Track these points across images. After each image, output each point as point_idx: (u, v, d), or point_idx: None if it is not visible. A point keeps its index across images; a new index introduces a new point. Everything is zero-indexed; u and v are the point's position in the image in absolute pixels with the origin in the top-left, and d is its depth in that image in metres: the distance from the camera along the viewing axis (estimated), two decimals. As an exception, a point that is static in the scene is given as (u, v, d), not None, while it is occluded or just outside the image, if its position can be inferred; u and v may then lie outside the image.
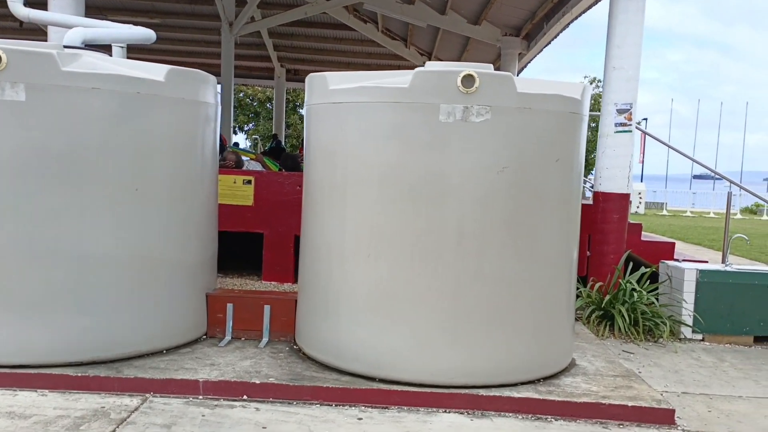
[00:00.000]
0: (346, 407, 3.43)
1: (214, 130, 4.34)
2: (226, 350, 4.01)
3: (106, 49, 4.56)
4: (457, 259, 3.56)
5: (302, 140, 4.97)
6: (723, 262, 5.87)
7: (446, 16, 11.62)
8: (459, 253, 3.56)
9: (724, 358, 4.84)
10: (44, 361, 3.54)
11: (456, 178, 3.54)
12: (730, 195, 6.22)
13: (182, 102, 3.91)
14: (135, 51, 14.05)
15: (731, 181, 6.34)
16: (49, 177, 3.53)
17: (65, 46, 3.88)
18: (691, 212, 29.82)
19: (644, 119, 29.50)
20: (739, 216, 27.26)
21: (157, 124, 3.79)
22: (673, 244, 6.28)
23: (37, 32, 11.15)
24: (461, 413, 3.45)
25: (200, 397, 3.45)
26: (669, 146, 6.75)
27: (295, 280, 5.68)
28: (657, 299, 5.48)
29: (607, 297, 5.40)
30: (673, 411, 3.49)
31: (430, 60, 10.99)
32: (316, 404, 3.45)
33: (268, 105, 31.07)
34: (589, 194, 8.54)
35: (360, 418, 3.30)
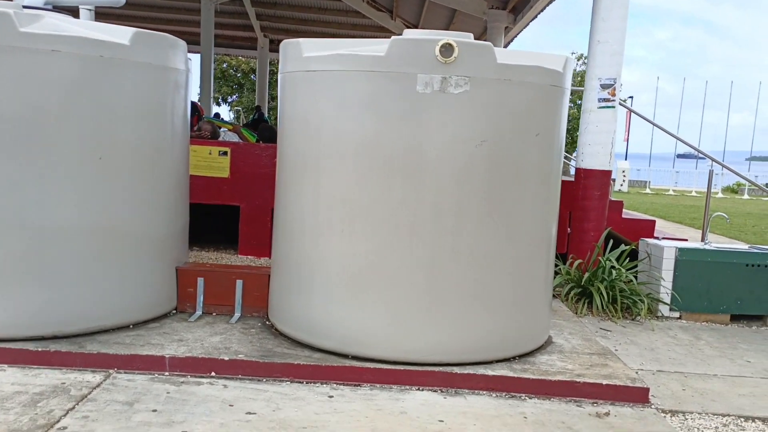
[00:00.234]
0: (317, 385, 3.35)
1: (185, 98, 4.17)
2: (195, 326, 3.91)
3: (72, 12, 4.35)
4: (433, 235, 3.47)
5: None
6: (702, 240, 5.85)
7: (432, -14, 11.40)
8: (435, 228, 3.46)
9: (701, 336, 4.84)
10: (3, 335, 3.41)
11: (433, 151, 3.43)
12: (711, 173, 6.18)
13: (149, 67, 3.74)
14: (109, 17, 13.66)
15: (713, 159, 6.30)
16: (6, 144, 3.36)
17: (25, 7, 3.67)
18: (674, 191, 30.02)
19: (630, 97, 29.48)
20: (720, 195, 27.50)
21: (122, 89, 3.62)
22: (654, 221, 6.25)
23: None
24: (435, 391, 3.39)
25: (166, 373, 3.35)
26: (653, 124, 6.68)
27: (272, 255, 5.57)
28: (636, 277, 5.45)
29: (587, 274, 5.36)
30: (648, 389, 3.46)
31: (414, 32, 10.76)
32: (286, 381, 3.36)
33: (252, 76, 30.53)
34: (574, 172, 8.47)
35: (331, 396, 3.23)
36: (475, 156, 3.47)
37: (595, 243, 5.62)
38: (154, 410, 2.93)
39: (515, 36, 13.33)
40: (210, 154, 5.91)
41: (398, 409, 3.12)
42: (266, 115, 16.41)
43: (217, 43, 14.49)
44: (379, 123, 3.43)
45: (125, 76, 3.63)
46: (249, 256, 5.97)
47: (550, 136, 3.73)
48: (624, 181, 27.68)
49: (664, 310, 5.25)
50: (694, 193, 28.32)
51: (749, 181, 6.38)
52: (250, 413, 2.97)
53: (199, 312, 4.12)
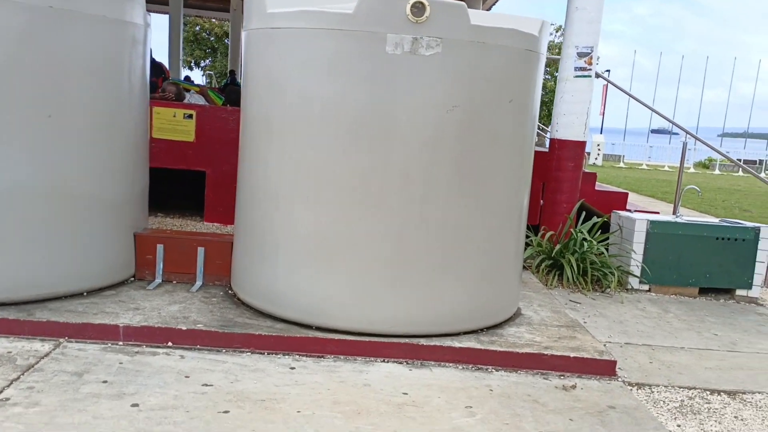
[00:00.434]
0: (279, 356, 3.25)
1: (143, 55, 3.95)
2: (154, 294, 3.76)
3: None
4: (401, 203, 3.35)
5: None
6: (674, 213, 5.84)
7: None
8: (403, 196, 3.34)
9: (669, 309, 4.84)
10: (-54, 303, 3.24)
11: (402, 115, 3.28)
12: (685, 145, 6.15)
13: (104, 20, 3.51)
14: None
15: (689, 133, 6.27)
16: (-54, 99, 3.14)
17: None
18: (647, 165, 30.31)
19: (607, 71, 29.46)
20: (692, 170, 27.84)
21: (74, 43, 3.40)
22: (626, 194, 6.22)
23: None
24: (400, 363, 3.31)
25: (120, 343, 3.21)
26: (630, 95, 6.61)
27: (237, 222, 5.41)
28: (607, 249, 5.42)
29: (558, 246, 5.32)
30: (615, 362, 3.43)
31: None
32: (247, 352, 3.25)
33: (225, 40, 29.76)
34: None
35: (293, 368, 3.13)
36: (446, 122, 3.33)
37: (568, 215, 5.56)
38: (105, 381, 2.80)
39: (494, 3, 13.11)
40: (174, 116, 5.69)
41: (362, 381, 3.04)
42: (239, 80, 15.99)
43: (187, 3, 13.97)
44: (347, 85, 3.27)
45: (77, 28, 3.39)
46: (215, 224, 5.80)
47: (524, 103, 3.61)
48: (599, 154, 27.87)
49: (633, 282, 5.24)
50: (666, 168, 28.63)
51: (723, 154, 6.37)
52: (206, 385, 2.85)
53: (158, 280, 3.97)
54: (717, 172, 28.83)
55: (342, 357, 3.29)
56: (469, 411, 2.85)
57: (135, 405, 2.62)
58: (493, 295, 3.70)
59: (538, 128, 12.98)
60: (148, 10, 4.06)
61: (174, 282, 4.00)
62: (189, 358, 3.12)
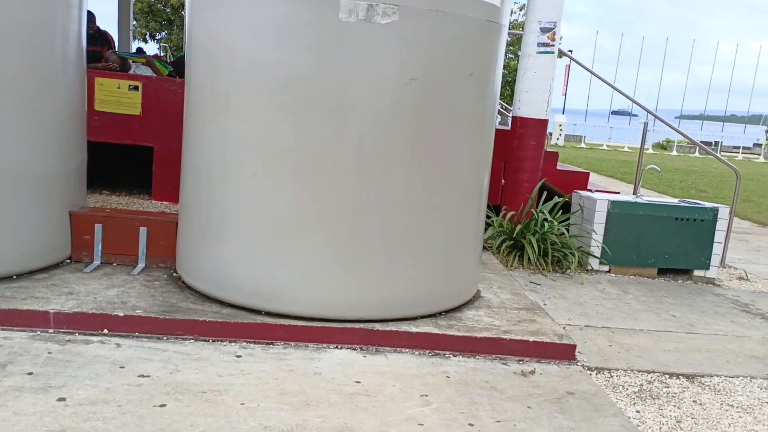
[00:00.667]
0: (224, 343, 3.06)
1: (78, 20, 3.64)
2: (91, 277, 3.51)
3: None
4: (355, 181, 3.17)
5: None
6: (634, 193, 5.80)
7: None
8: (358, 174, 3.16)
9: (628, 290, 4.80)
10: None
11: (357, 88, 3.09)
12: (645, 125, 6.11)
13: (30, -21, 3.20)
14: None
15: (650, 112, 6.22)
16: None
17: None
18: (608, 146, 30.73)
19: (570, 51, 29.62)
20: (650, 151, 28.32)
21: (-5, 3, 3.09)
22: (587, 174, 6.16)
23: None
24: (354, 349, 3.15)
25: (50, 331, 2.97)
26: (593, 73, 6.52)
27: (187, 200, 5.15)
28: (568, 230, 5.36)
29: (519, 227, 5.22)
30: (574, 346, 3.35)
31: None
32: (190, 340, 3.05)
33: (182, 12, 28.80)
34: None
35: (239, 356, 2.94)
36: (403, 96, 3.15)
37: (529, 194, 5.47)
38: (30, 373, 2.57)
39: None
40: (119, 88, 5.36)
41: (312, 370, 2.87)
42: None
43: (141, -29, 13.33)
44: (297, 54, 3.05)
45: (-2, -14, 3.08)
46: (164, 202, 5.53)
47: (485, 77, 3.45)
48: (561, 134, 28.14)
49: (594, 263, 5.19)
50: (626, 149, 29.06)
51: (684, 135, 6.35)
52: (143, 376, 2.65)
53: (96, 262, 3.71)
54: (674, 153, 29.41)
55: (292, 344, 3.12)
56: (424, 400, 2.71)
57: (61, 399, 2.41)
58: (452, 277, 3.57)
59: (502, 107, 12.87)
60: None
61: (114, 264, 3.75)
62: (126, 347, 2.90)
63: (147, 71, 5.96)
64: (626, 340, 3.74)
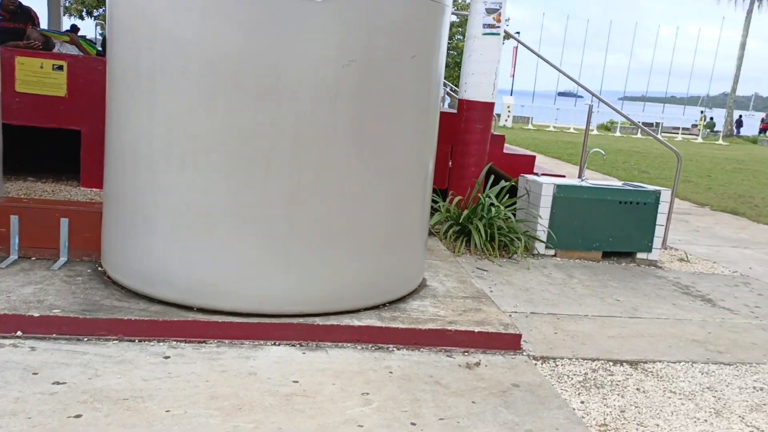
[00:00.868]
0: (152, 343, 2.86)
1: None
2: (6, 273, 3.24)
3: None
4: (292, 169, 2.99)
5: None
6: (579, 176, 5.81)
7: None
8: (295, 161, 2.99)
9: (574, 274, 4.79)
10: None
11: (292, 69, 2.90)
12: (590, 108, 6.11)
13: None
14: None
15: (594, 95, 6.23)
16: None
17: None
18: (554, 127, 31.21)
19: (517, 33, 29.80)
20: (595, 132, 28.89)
21: None
22: (534, 157, 6.13)
23: None
24: (293, 346, 3.00)
25: (-45, 336, 2.71)
26: (539, 56, 6.47)
27: (119, 187, 4.85)
28: (514, 214, 5.32)
29: (466, 212, 5.15)
30: (520, 336, 3.29)
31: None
32: (113, 341, 2.84)
33: (122, -12, 27.42)
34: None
35: (167, 357, 2.75)
36: (342, 78, 2.98)
37: (476, 179, 5.39)
38: (-72, 386, 2.32)
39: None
40: (42, 68, 4.99)
41: (247, 370, 2.71)
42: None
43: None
44: (226, 31, 2.84)
45: None
46: (93, 189, 5.21)
47: (428, 59, 3.31)
48: (509, 116, 28.40)
49: (540, 248, 5.17)
50: (572, 130, 29.58)
51: (627, 117, 6.39)
52: (58, 383, 2.43)
53: (13, 257, 3.43)
54: (618, 134, 30.12)
55: (227, 342, 2.95)
56: (365, 399, 2.59)
57: (-37, 414, 2.18)
58: (396, 267, 3.45)
59: (451, 90, 12.78)
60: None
61: (33, 259, 3.48)
62: (41, 351, 2.67)
63: (73, 50, 5.58)
64: (571, 326, 3.71)
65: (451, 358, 3.08)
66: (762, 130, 41.92)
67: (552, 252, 5.20)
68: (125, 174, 3.15)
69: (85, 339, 2.81)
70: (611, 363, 3.27)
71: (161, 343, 2.87)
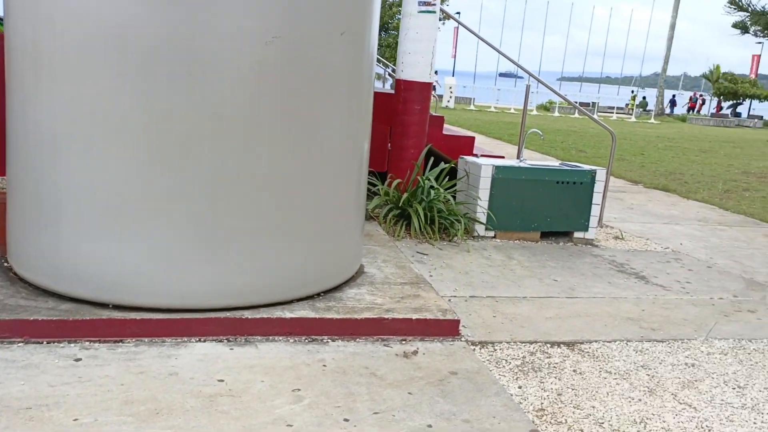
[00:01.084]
0: (62, 345, 2.63)
1: None
2: None
3: None
4: (214, 154, 2.79)
5: None
6: (518, 157, 5.79)
7: None
8: (217, 145, 2.79)
9: (513, 255, 4.77)
10: None
11: (210, 46, 2.69)
12: (528, 88, 6.09)
13: None
14: None
15: (532, 75, 6.21)
16: None
17: None
18: (495, 108, 31.55)
19: (457, 13, 29.85)
20: (534, 112, 29.37)
21: None
22: (473, 138, 6.07)
23: None
24: (220, 341, 2.83)
25: None
26: (479, 37, 6.40)
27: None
28: (454, 197, 5.25)
29: (405, 195, 5.04)
30: (458, 321, 3.21)
31: None
32: (18, 343, 2.59)
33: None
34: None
35: (78, 359, 2.53)
36: (266, 56, 2.79)
37: (415, 161, 5.29)
38: None
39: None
40: (-60, 44, 4.54)
41: (167, 370, 2.52)
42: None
43: None
44: (137, 5, 2.60)
45: None
46: (3, 177, 4.82)
47: (359, 36, 3.15)
48: (451, 97, 28.49)
49: (480, 229, 5.13)
50: (512, 110, 29.97)
51: (563, 97, 6.41)
52: (-50, 396, 2.19)
53: None
54: (556, 114, 30.70)
55: (146, 340, 2.74)
56: (296, 395, 2.46)
57: None
58: (330, 254, 3.31)
59: (393, 71, 12.63)
60: None
61: (-71, 256, 3.16)
62: (-67, 359, 2.41)
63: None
64: (510, 309, 3.67)
65: (388, 347, 2.98)
66: (690, 109, 43.65)
67: (492, 234, 5.16)
68: (28, 160, 2.87)
69: (-14, 343, 2.56)
70: (549, 345, 3.24)
71: (72, 345, 2.64)
